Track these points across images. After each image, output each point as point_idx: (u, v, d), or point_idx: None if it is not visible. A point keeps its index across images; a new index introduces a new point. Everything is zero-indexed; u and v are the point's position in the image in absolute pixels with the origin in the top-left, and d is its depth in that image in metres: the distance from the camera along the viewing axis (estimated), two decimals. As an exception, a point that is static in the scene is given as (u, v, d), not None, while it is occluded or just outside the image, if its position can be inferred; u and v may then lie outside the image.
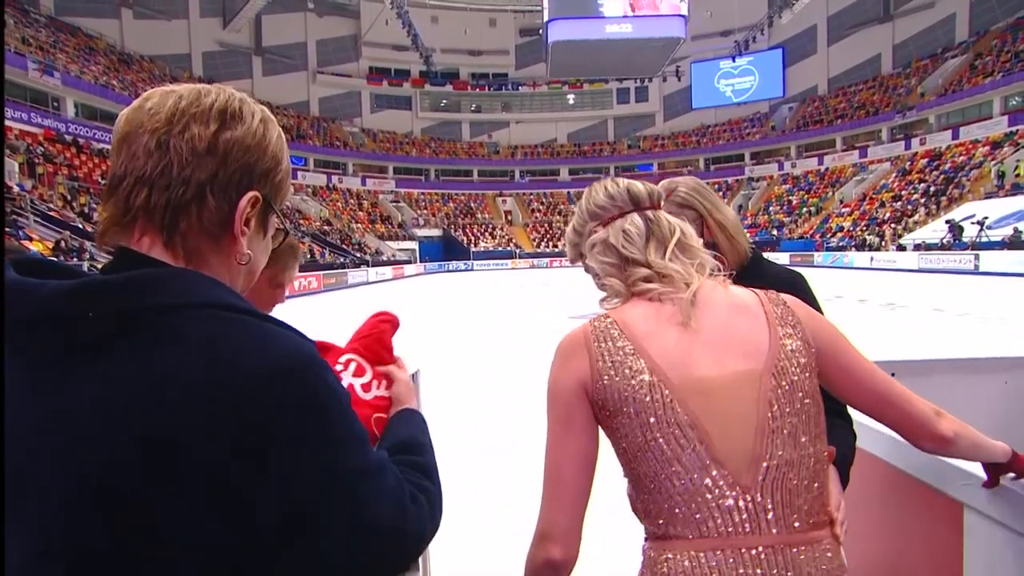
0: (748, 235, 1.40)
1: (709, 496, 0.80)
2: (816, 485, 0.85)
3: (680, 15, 35.83)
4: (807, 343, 0.89)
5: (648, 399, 0.82)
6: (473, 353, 8.60)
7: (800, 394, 0.85)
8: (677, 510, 0.81)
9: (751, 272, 1.36)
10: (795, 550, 0.80)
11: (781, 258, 31.74)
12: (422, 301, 19.06)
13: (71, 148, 25.66)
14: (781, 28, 42.16)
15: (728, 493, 0.80)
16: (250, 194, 0.64)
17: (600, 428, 0.88)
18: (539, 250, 44.29)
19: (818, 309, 1.34)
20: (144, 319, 0.55)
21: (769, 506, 0.81)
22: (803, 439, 0.84)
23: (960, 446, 0.93)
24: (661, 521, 0.83)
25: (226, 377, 0.55)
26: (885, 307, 12.39)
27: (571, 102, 52.89)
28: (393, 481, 0.67)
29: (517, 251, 43.84)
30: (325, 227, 36.46)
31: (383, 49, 47.15)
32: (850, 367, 0.91)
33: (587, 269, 1.02)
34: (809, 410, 0.86)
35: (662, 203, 1.00)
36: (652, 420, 0.81)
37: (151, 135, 0.60)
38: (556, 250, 43.47)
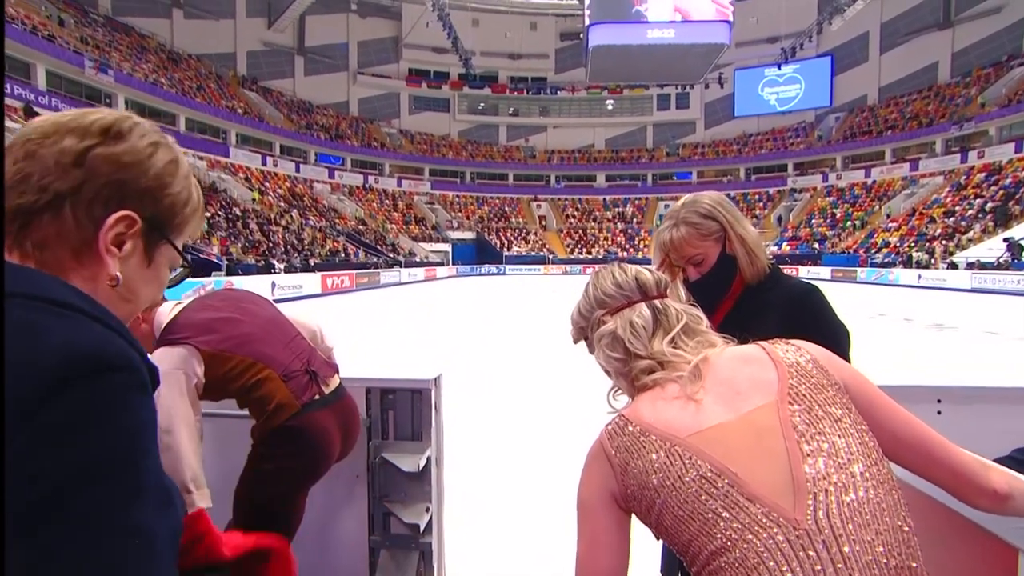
0: (768, 252, 1.45)
1: (753, 537, 0.71)
2: (890, 519, 0.73)
3: (725, 20, 34.96)
4: (822, 368, 0.84)
5: (669, 465, 0.79)
6: (500, 359, 8.40)
7: (829, 410, 0.79)
8: (725, 561, 0.73)
9: (768, 285, 1.39)
10: None
11: (822, 273, 30.66)
12: (453, 304, 18.96)
13: (119, 142, 26.64)
14: (831, 35, 40.73)
15: (775, 530, 0.71)
16: (120, 212, 0.60)
17: (658, 534, 0.85)
18: (572, 256, 43.84)
19: (833, 319, 1.32)
20: None
21: (831, 541, 0.70)
22: (851, 461, 0.76)
23: (1018, 501, 0.82)
24: None
25: (17, 367, 0.46)
26: (932, 327, 11.62)
27: (610, 107, 52.29)
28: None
29: (550, 257, 43.46)
30: (360, 227, 36.89)
31: (423, 51, 47.62)
32: (881, 414, 0.83)
33: (591, 350, 1.04)
34: (847, 430, 0.78)
35: (668, 290, 1.01)
36: (678, 483, 0.78)
37: (22, 145, 0.59)
38: (590, 257, 42.99)
